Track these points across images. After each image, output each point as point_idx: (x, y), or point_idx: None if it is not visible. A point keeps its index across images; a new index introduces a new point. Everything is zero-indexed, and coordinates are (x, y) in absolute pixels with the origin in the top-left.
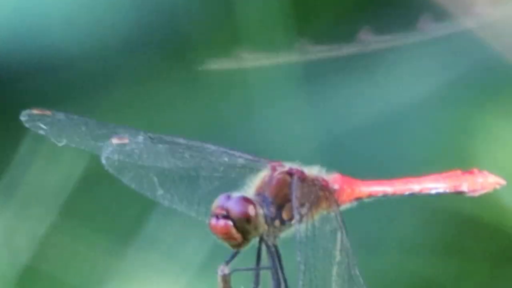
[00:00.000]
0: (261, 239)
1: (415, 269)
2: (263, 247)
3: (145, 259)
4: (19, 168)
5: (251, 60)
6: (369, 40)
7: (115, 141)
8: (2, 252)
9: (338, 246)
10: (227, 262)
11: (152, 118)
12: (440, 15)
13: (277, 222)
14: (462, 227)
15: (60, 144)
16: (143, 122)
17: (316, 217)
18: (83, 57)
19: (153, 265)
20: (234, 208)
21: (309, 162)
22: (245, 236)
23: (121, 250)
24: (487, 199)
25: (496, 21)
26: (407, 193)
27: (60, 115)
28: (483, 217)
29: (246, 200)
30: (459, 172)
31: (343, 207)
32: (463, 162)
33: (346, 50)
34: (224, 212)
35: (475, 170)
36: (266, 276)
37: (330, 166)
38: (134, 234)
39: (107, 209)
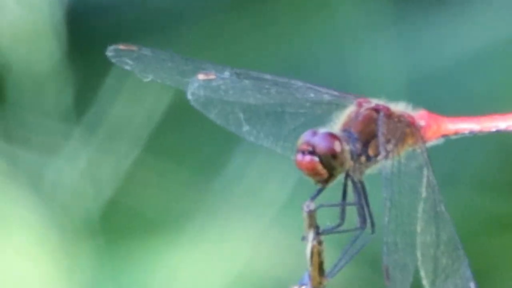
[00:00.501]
0: (347, 175)
1: (485, 207)
2: (349, 183)
3: (229, 195)
4: (103, 103)
5: None
6: None
7: (201, 76)
8: (87, 185)
9: (424, 183)
10: (313, 198)
11: (229, 51)
12: None
13: (363, 158)
14: None
15: (146, 80)
16: (219, 55)
17: (402, 153)
18: None
19: (236, 201)
20: (320, 143)
21: (396, 98)
22: (331, 172)
23: (205, 185)
24: None
25: None
26: (493, 130)
27: (146, 50)
28: None
29: (332, 136)
30: None
31: (429, 143)
32: None
33: None
34: (310, 148)
35: None
36: (352, 212)
37: (417, 103)
38: (217, 170)
39: (190, 145)
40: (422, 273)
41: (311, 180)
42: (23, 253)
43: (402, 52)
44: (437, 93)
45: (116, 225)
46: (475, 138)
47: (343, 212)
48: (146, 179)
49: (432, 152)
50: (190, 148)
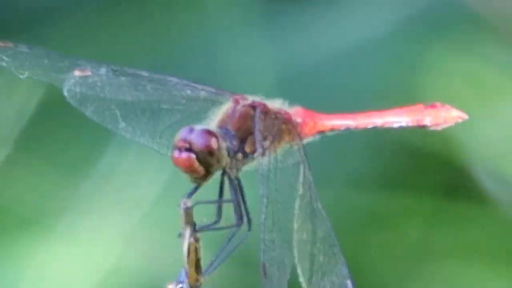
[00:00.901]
0: (224, 172)
1: (362, 204)
2: (226, 180)
3: (100, 191)
4: None
5: None
6: None
7: (77, 73)
8: None
9: (301, 180)
10: (190, 195)
11: (103, 48)
12: None
13: (239, 155)
14: (409, 161)
15: (22, 77)
16: (94, 52)
17: (279, 150)
18: None
19: (108, 198)
20: (197, 140)
21: (268, 95)
22: (208, 169)
23: (76, 182)
24: (435, 133)
25: None
26: (369, 126)
27: (23, 47)
28: (431, 151)
29: (209, 132)
30: (421, 106)
31: (306, 140)
32: (424, 97)
33: None
34: (187, 145)
35: (438, 104)
36: (228, 209)
37: (291, 100)
38: (88, 166)
39: (62, 142)
40: (299, 271)
41: (188, 177)
42: None
43: (274, 49)
44: (308, 90)
45: None
46: (346, 135)
47: (219, 209)
48: (17, 177)
49: (308, 149)
50: (61, 145)
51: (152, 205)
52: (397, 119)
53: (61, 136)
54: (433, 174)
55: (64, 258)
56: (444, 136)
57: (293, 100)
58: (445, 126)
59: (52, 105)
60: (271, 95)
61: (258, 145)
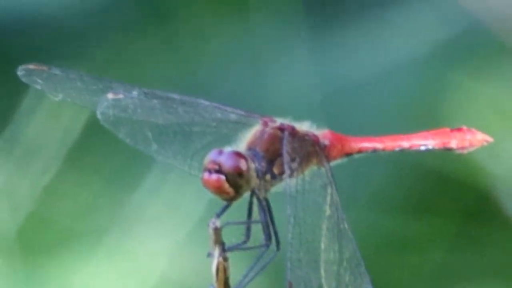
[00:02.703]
0: (253, 193)
1: (386, 226)
2: (255, 201)
3: (146, 207)
4: (21, 121)
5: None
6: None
7: (110, 96)
8: (5, 201)
9: (328, 201)
10: (218, 215)
11: (137, 74)
12: None
13: (268, 177)
14: (434, 184)
15: (56, 99)
16: (126, 75)
17: (307, 172)
18: (68, 16)
19: (153, 214)
20: (226, 162)
21: (310, 111)
22: (237, 190)
23: (123, 198)
24: (459, 157)
25: None
26: (396, 149)
27: (56, 70)
28: (456, 174)
29: (238, 154)
30: (447, 129)
31: (334, 162)
32: (449, 119)
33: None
34: (217, 167)
35: (464, 128)
36: (257, 230)
37: (322, 122)
38: (135, 183)
39: (109, 161)
40: None
41: (218, 199)
42: None
43: (313, 70)
44: (348, 107)
45: (33, 238)
46: (373, 158)
47: (248, 229)
48: (66, 193)
49: (335, 171)
50: (108, 162)
51: (196, 223)
52: (423, 142)
53: (108, 153)
54: (457, 197)
55: (110, 272)
56: (468, 159)
57: (326, 122)
58: (470, 149)
59: (99, 124)
60: (312, 111)
61: (286, 167)
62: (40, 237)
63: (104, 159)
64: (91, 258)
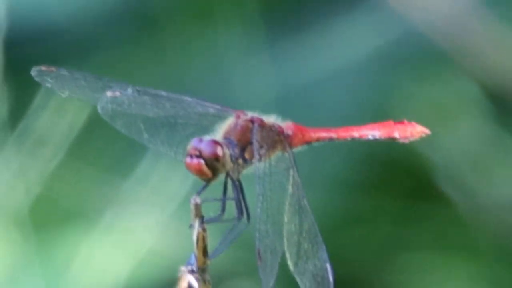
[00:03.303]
0: (227, 175)
1: (339, 203)
2: (229, 181)
3: (137, 190)
4: (33, 116)
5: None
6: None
7: (109, 93)
8: (18, 184)
9: (291, 181)
10: (198, 193)
11: (131, 78)
12: None
13: (240, 161)
14: (381, 169)
15: (63, 95)
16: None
17: (273, 157)
18: (73, 26)
19: (144, 195)
20: (205, 149)
21: (267, 111)
22: (214, 172)
23: (118, 182)
24: (402, 146)
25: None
26: (348, 138)
27: (63, 71)
28: (399, 161)
29: (215, 142)
30: (391, 122)
31: (296, 149)
32: (394, 116)
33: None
34: (197, 153)
35: (405, 121)
36: (231, 206)
37: (286, 115)
38: (128, 169)
39: (107, 150)
40: (288, 255)
41: (198, 179)
42: None
43: (273, 72)
44: (299, 107)
45: (42, 215)
46: (329, 146)
47: (223, 205)
48: (69, 178)
49: (297, 157)
50: (105, 152)
51: (181, 203)
52: (371, 132)
53: (106, 144)
54: (401, 180)
55: (106, 244)
56: (410, 148)
57: (286, 116)
58: (411, 139)
59: (99, 119)
60: (269, 111)
61: (255, 153)
62: (48, 214)
63: (103, 148)
64: (91, 232)
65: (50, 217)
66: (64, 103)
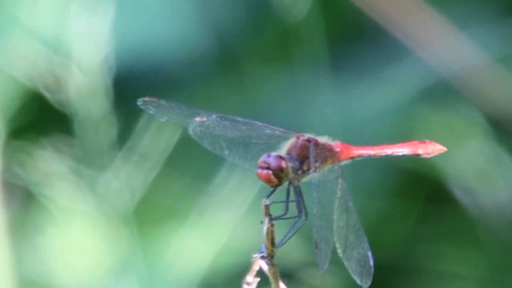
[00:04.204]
0: (290, 182)
1: (372, 206)
2: (291, 188)
3: (218, 196)
4: (138, 136)
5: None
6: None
7: (198, 119)
8: (125, 190)
9: (339, 187)
10: (268, 196)
11: (215, 107)
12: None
13: (300, 172)
14: (405, 179)
15: (162, 120)
16: (210, 109)
17: (325, 169)
18: (171, 65)
19: (223, 200)
20: (273, 162)
21: (322, 134)
22: (280, 180)
23: (202, 188)
24: (422, 160)
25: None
26: (383, 154)
27: (162, 101)
28: (418, 172)
29: (280, 157)
30: (416, 142)
31: (342, 163)
32: (420, 137)
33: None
34: (266, 165)
35: (427, 141)
36: (293, 206)
37: (335, 137)
38: (211, 179)
39: (195, 163)
40: (337, 245)
41: (267, 186)
42: (83, 233)
43: (338, 106)
44: (356, 131)
45: (144, 215)
46: (367, 160)
47: (287, 205)
48: (165, 185)
49: (343, 168)
50: (194, 165)
51: (251, 205)
52: (401, 150)
53: (194, 158)
54: (421, 187)
55: (194, 238)
56: (428, 162)
57: (336, 137)
58: (432, 155)
59: (189, 139)
60: (323, 133)
61: (311, 166)
62: (149, 214)
63: (192, 161)
64: (182, 228)
65: (151, 217)
66: (162, 126)
